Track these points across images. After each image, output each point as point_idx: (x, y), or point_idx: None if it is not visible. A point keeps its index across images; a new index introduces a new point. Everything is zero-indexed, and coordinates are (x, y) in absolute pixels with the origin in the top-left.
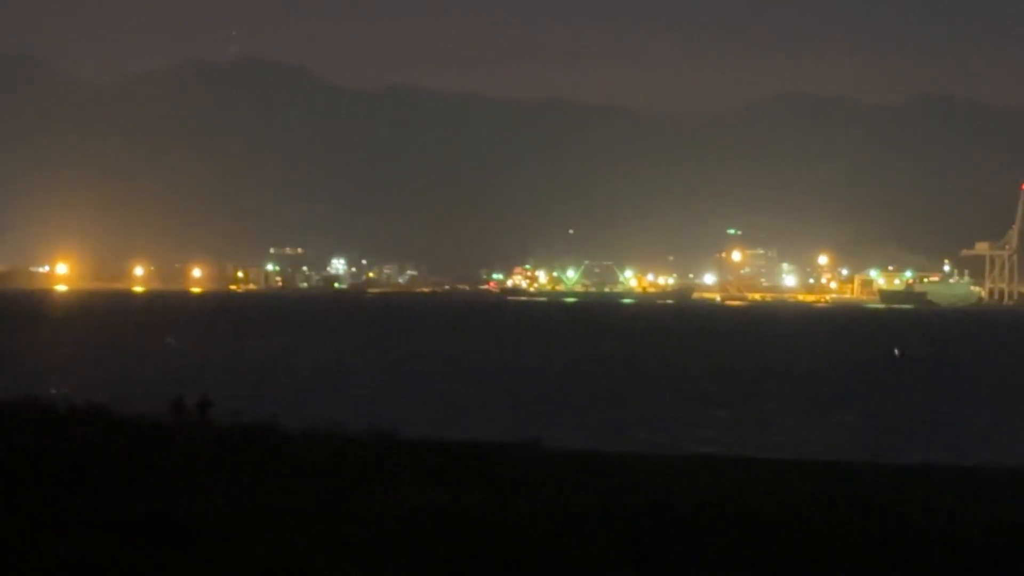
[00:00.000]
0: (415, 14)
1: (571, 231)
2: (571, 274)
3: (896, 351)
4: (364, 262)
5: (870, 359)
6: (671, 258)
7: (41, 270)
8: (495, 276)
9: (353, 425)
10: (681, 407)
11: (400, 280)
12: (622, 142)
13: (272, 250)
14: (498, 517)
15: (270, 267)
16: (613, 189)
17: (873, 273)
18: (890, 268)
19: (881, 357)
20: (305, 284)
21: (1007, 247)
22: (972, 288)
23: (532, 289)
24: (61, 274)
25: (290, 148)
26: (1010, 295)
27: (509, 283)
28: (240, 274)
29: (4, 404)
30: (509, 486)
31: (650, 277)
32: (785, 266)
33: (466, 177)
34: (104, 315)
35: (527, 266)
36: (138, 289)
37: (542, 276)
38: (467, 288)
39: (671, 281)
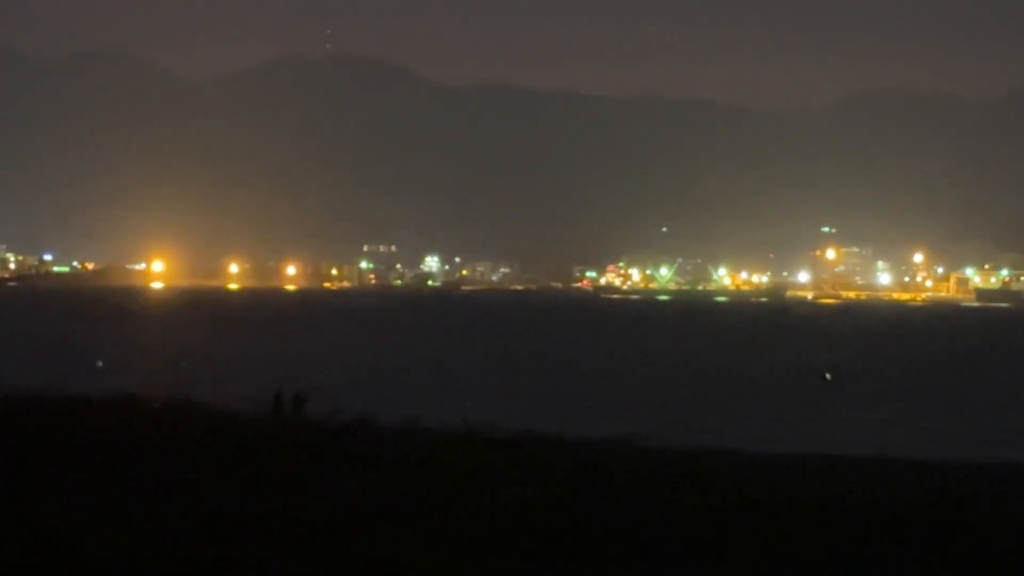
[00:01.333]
0: (510, 12)
1: (664, 228)
2: (664, 272)
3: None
4: (457, 259)
5: (970, 356)
6: (772, 255)
7: (137, 267)
8: (588, 274)
9: (448, 422)
10: (768, 406)
11: (493, 278)
12: (716, 139)
13: (366, 247)
14: (588, 514)
15: (364, 264)
16: (707, 186)
17: (969, 271)
18: (986, 266)
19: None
20: (398, 281)
21: None
22: None
23: (625, 287)
24: (157, 271)
25: (384, 145)
26: None
27: (602, 281)
28: (334, 271)
29: (100, 400)
30: (601, 483)
31: (743, 275)
32: (880, 264)
33: (560, 174)
34: (200, 311)
35: (620, 264)
36: (233, 286)
37: (635, 274)
38: (560, 286)
39: (764, 279)
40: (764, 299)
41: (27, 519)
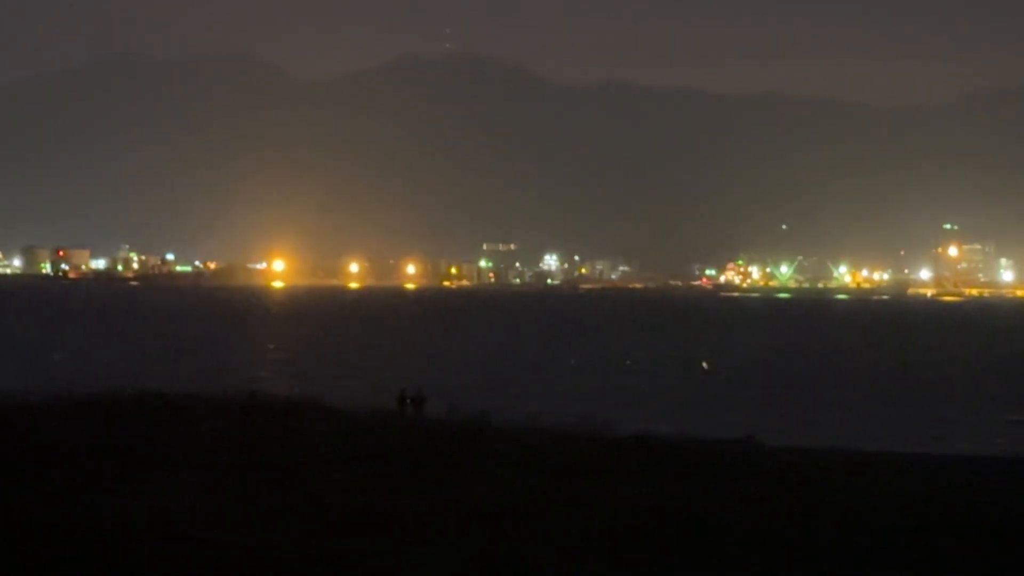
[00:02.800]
0: (630, 11)
1: (784, 226)
2: (784, 270)
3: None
4: (576, 258)
5: None
6: (903, 252)
7: (258, 267)
8: (708, 272)
9: (567, 420)
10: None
11: (612, 276)
12: (837, 136)
13: (485, 246)
14: (710, 512)
15: (483, 263)
16: (827, 183)
17: None
18: None
19: None
20: (517, 280)
21: None
22: None
23: (745, 285)
24: (277, 271)
25: (503, 144)
26: None
27: (722, 279)
28: (453, 270)
29: (223, 399)
30: (722, 482)
31: (864, 273)
32: (1003, 261)
33: (680, 172)
34: (320, 311)
35: (740, 261)
36: (353, 285)
37: (755, 272)
38: (679, 284)
39: (885, 277)
40: (885, 297)
41: (156, 516)
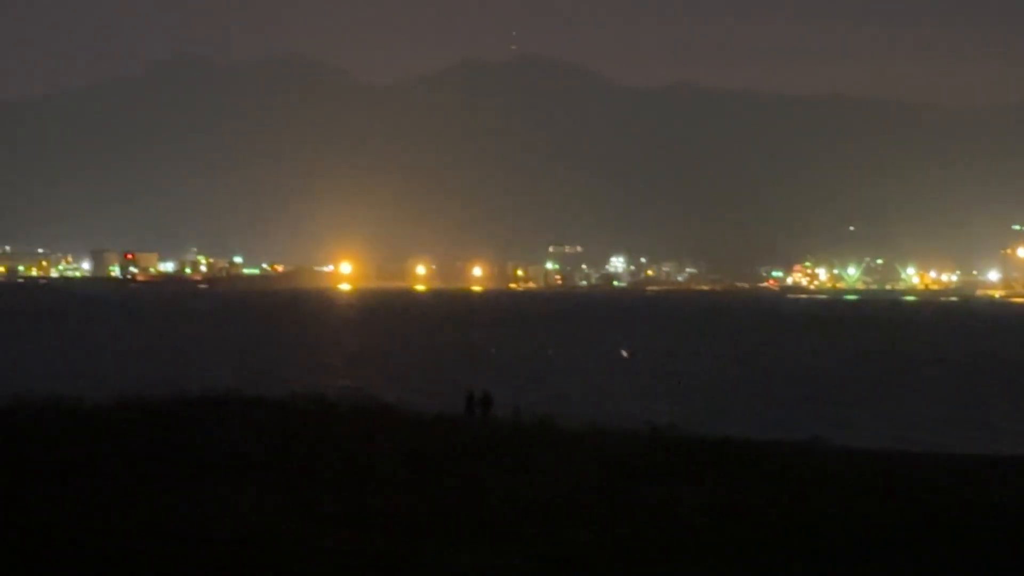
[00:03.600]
0: (695, 12)
1: (851, 227)
2: (851, 271)
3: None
4: (643, 260)
5: None
6: (970, 254)
7: (325, 269)
8: (775, 274)
9: (630, 421)
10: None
11: (679, 278)
12: (903, 137)
13: (551, 248)
14: (772, 514)
15: (549, 265)
16: (894, 184)
17: None
18: None
19: None
20: (584, 282)
21: None
22: None
23: (812, 287)
24: (345, 273)
25: (569, 146)
26: None
27: (789, 281)
28: (520, 272)
29: (291, 401)
30: (788, 483)
31: (932, 274)
32: None
33: (746, 174)
34: (388, 313)
35: (807, 263)
36: (420, 288)
37: (822, 274)
38: (746, 286)
39: (954, 278)
40: (954, 298)
41: (221, 519)
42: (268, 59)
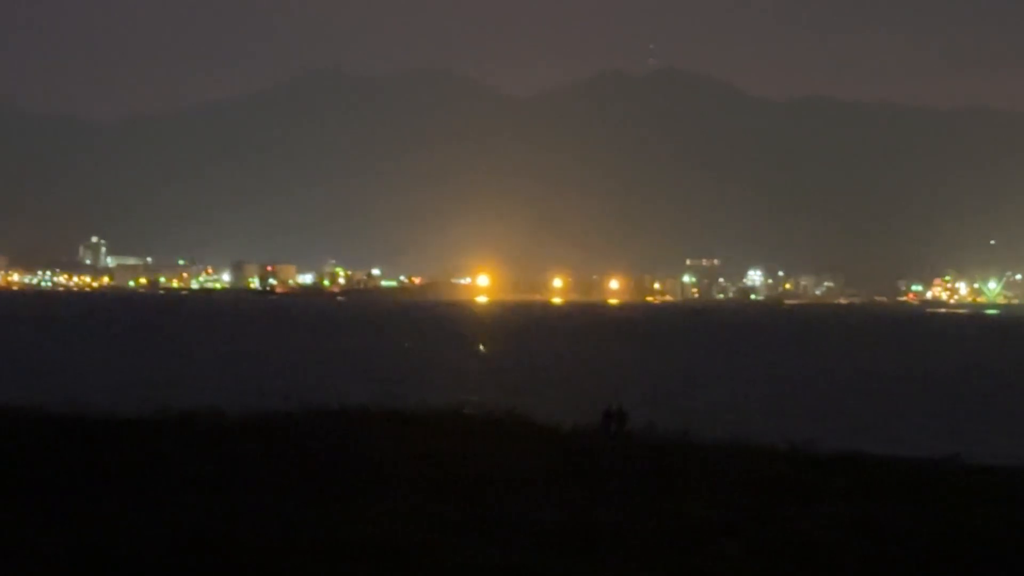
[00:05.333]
0: (831, 25)
1: (992, 241)
2: (992, 286)
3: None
4: (780, 273)
5: None
6: None
7: (462, 282)
8: (914, 288)
9: (767, 437)
10: None
11: (817, 292)
12: None
13: (688, 261)
14: (918, 532)
15: (686, 278)
16: None
17: None
18: None
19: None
20: (721, 295)
21: None
22: None
23: (952, 301)
24: (482, 285)
25: (706, 159)
26: None
27: (928, 295)
28: (656, 285)
29: (426, 414)
30: (929, 501)
31: None
32: None
33: (884, 187)
34: (524, 325)
35: (946, 277)
36: (556, 300)
37: (962, 288)
38: (885, 300)
39: None
40: None
41: (361, 533)
42: (406, 72)
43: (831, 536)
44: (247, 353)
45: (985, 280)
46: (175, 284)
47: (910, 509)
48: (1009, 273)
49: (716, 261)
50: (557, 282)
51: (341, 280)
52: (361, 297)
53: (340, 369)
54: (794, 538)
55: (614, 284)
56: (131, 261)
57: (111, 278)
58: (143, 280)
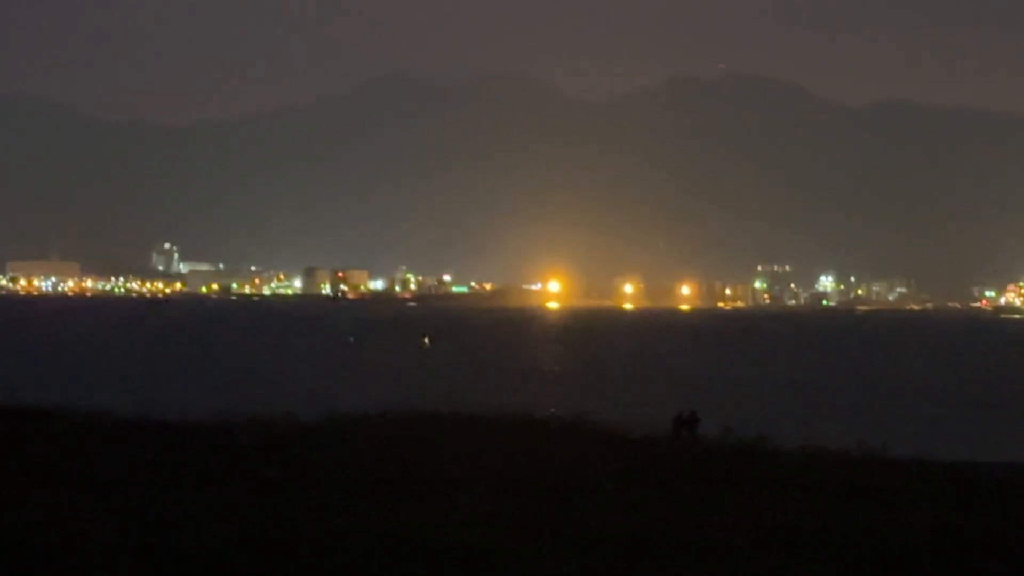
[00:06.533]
0: (906, 28)
1: None
2: None
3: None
4: (852, 279)
5: None
6: None
7: (533, 288)
8: (987, 294)
9: (842, 442)
10: None
11: (889, 297)
12: None
13: (760, 267)
14: (1001, 539)
15: (757, 284)
16: None
17: None
18: None
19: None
20: (792, 301)
21: None
22: None
23: None
24: (553, 291)
25: (779, 164)
26: None
27: (1002, 300)
28: (728, 291)
29: (497, 418)
30: (1011, 508)
31: None
32: None
33: (960, 193)
34: (596, 330)
35: (1021, 283)
36: (627, 306)
37: None
38: (958, 306)
39: None
40: None
41: (434, 536)
42: (477, 77)
43: (911, 543)
44: (325, 357)
45: None
46: (247, 290)
47: (991, 516)
48: None
49: (788, 267)
50: (628, 288)
51: (412, 286)
52: (432, 303)
53: (411, 374)
54: (873, 545)
55: (685, 290)
56: (203, 267)
57: (183, 284)
58: (215, 286)
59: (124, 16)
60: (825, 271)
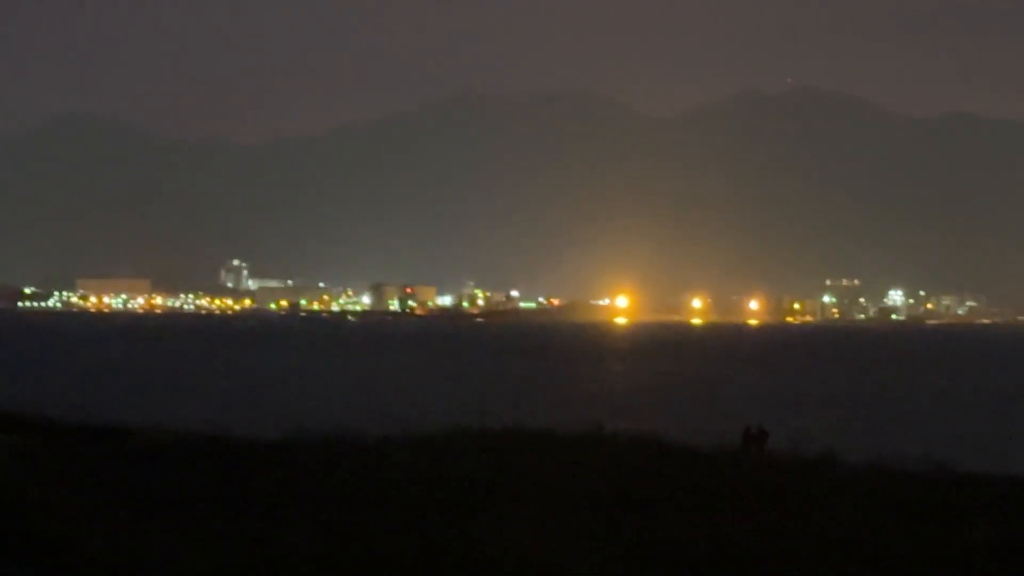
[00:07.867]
0: (971, 41)
1: None
2: None
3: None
4: (922, 293)
5: None
6: None
7: (601, 303)
8: None
9: (910, 458)
10: None
11: (959, 311)
12: None
13: (828, 282)
14: None
15: (826, 299)
16: None
17: None
18: None
19: None
20: (861, 315)
21: None
22: None
23: None
24: (621, 307)
25: (846, 178)
26: None
27: None
28: (796, 306)
29: (566, 434)
30: None
31: None
32: None
33: None
34: (666, 346)
35: None
36: (696, 321)
37: None
38: None
39: None
40: None
41: (503, 550)
42: (546, 93)
43: (979, 560)
44: (397, 374)
45: None
46: (316, 306)
47: None
48: None
49: (856, 281)
50: (696, 303)
51: (480, 302)
52: (500, 319)
53: (478, 390)
54: (941, 561)
55: (753, 305)
56: (272, 284)
57: (252, 300)
58: (284, 302)
59: (192, 37)
60: (894, 285)
